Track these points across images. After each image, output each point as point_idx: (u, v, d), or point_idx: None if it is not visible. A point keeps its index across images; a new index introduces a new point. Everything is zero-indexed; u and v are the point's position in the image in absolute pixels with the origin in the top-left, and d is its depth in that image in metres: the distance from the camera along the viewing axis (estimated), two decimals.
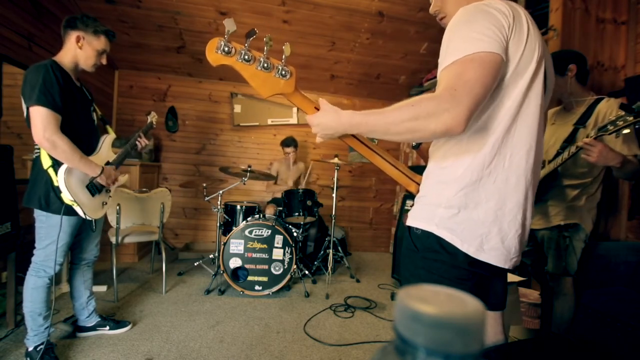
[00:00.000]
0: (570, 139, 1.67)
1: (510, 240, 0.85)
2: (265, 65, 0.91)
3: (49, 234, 1.65)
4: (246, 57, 0.90)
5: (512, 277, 1.79)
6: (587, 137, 1.46)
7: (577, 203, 1.68)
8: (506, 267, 0.86)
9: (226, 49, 0.89)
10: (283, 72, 0.91)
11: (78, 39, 1.67)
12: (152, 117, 2.14)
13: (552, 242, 1.74)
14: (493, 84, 0.77)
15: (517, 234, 0.85)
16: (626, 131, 1.33)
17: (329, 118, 0.92)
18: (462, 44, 0.77)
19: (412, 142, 0.82)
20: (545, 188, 1.71)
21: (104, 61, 1.78)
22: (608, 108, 1.61)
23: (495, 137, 0.83)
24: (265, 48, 0.91)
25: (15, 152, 1.96)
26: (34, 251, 1.68)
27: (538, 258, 1.87)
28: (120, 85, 4.02)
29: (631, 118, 1.29)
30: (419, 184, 1.04)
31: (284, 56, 0.91)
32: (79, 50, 1.69)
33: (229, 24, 0.86)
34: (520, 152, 0.84)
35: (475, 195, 0.84)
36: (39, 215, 1.65)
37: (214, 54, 0.90)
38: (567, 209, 1.69)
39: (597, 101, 1.66)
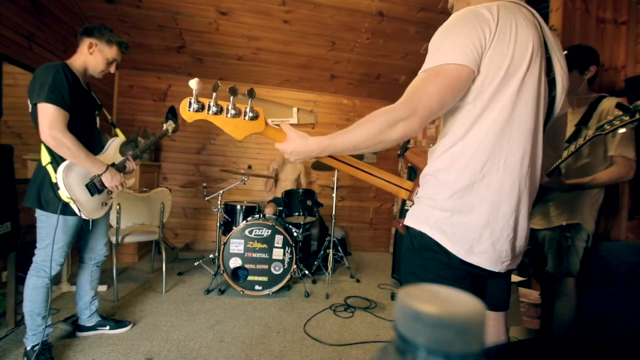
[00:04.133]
0: (571, 140, 1.66)
1: (502, 245, 0.85)
2: (234, 112, 0.97)
3: (50, 233, 1.65)
4: (215, 109, 0.97)
5: (512, 277, 1.79)
6: (585, 137, 1.46)
7: (579, 203, 1.68)
8: (497, 270, 0.86)
9: (196, 106, 0.96)
10: (251, 115, 0.98)
11: (90, 45, 1.73)
12: (169, 126, 2.16)
13: (554, 242, 1.73)
14: (453, 97, 0.81)
15: (509, 239, 0.86)
16: (622, 130, 1.33)
17: (297, 145, 0.95)
18: (434, 54, 0.82)
19: (377, 151, 0.87)
20: (547, 188, 1.71)
21: (112, 70, 1.82)
22: (611, 106, 1.60)
23: (488, 140, 0.83)
24: (231, 99, 0.98)
25: (15, 152, 1.96)
26: (35, 251, 1.68)
27: (538, 258, 1.87)
28: (120, 85, 4.02)
29: (627, 118, 1.29)
30: (408, 190, 1.05)
31: (250, 100, 0.98)
32: (89, 56, 1.74)
33: (194, 84, 0.94)
34: (515, 156, 0.84)
35: (468, 199, 0.84)
36: (40, 215, 1.65)
37: (187, 113, 0.97)
38: (569, 210, 1.69)
39: (598, 100, 1.66)
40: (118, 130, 1.96)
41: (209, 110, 0.96)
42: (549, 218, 1.74)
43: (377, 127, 0.82)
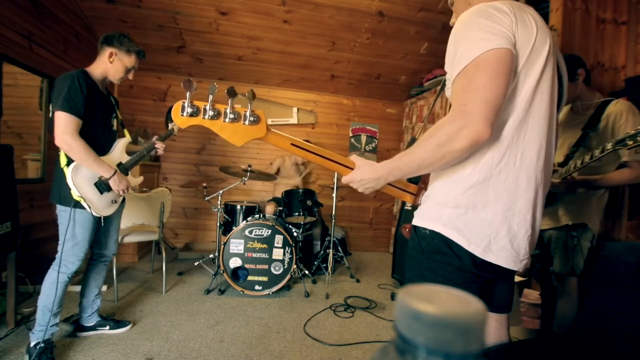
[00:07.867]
0: (579, 144, 1.65)
1: (520, 241, 0.83)
2: (232, 116, 0.90)
3: (69, 228, 1.72)
4: (211, 113, 0.89)
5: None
6: (604, 150, 1.40)
7: (586, 204, 1.67)
8: (516, 269, 0.84)
9: (190, 110, 0.88)
10: (251, 119, 0.90)
11: (111, 55, 1.81)
12: (174, 126, 2.21)
13: (560, 241, 1.72)
14: (506, 81, 0.75)
15: (527, 235, 0.84)
16: None
17: (365, 172, 0.92)
18: (465, 51, 0.77)
19: (451, 165, 0.82)
20: (556, 194, 1.69)
21: (130, 76, 1.92)
22: (618, 111, 1.58)
23: (506, 134, 0.81)
24: (229, 101, 0.90)
25: (15, 152, 1.96)
26: (58, 247, 1.74)
27: (544, 258, 1.86)
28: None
29: None
30: (413, 194, 1.02)
31: (250, 102, 0.91)
32: (109, 65, 1.82)
33: (187, 85, 0.86)
34: (532, 150, 0.82)
35: (484, 194, 0.82)
36: (60, 210, 1.73)
37: (180, 117, 0.89)
38: (576, 210, 1.68)
39: (605, 103, 1.64)
40: (125, 131, 2.03)
41: (204, 114, 0.89)
42: (556, 218, 1.73)
43: (435, 140, 0.77)
